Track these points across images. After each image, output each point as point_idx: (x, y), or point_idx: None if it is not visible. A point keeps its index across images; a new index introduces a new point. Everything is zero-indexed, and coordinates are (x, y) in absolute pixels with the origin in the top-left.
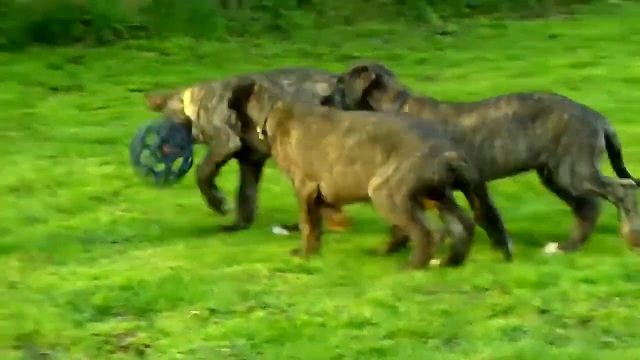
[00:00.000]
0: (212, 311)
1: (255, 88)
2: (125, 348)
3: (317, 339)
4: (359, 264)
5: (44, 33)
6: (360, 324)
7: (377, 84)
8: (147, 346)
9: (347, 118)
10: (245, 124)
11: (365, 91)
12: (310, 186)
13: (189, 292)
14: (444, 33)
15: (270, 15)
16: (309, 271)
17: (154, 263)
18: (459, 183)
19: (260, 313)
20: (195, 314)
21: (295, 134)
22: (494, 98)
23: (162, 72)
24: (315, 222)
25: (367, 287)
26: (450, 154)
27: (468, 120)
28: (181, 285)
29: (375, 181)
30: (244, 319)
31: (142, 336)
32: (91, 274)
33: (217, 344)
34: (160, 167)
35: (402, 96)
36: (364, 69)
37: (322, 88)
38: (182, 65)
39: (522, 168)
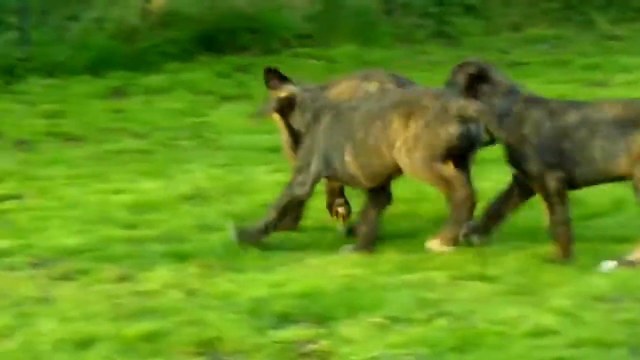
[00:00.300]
0: (392, 319)
1: (298, 100)
2: (306, 355)
3: (499, 348)
4: (537, 271)
5: (212, 42)
6: (542, 332)
7: (485, 80)
8: (329, 353)
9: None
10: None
11: (473, 86)
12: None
13: (367, 300)
14: (613, 37)
15: (436, 21)
16: (486, 279)
17: (330, 271)
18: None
19: (440, 321)
20: (375, 322)
21: (325, 119)
22: (602, 100)
23: (329, 79)
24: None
25: (547, 295)
26: (461, 103)
27: (570, 118)
28: (359, 293)
29: (397, 144)
30: (425, 327)
31: (323, 344)
32: (269, 282)
33: (399, 352)
34: None
35: (512, 92)
36: (467, 64)
37: (373, 86)
38: (348, 73)
39: (624, 173)
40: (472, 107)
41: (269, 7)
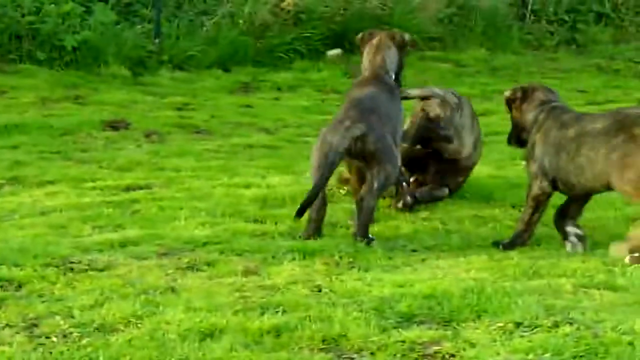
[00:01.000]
0: (517, 324)
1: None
2: (430, 357)
3: (625, 358)
4: None
5: (341, 41)
6: None
7: (526, 99)
8: (453, 356)
9: None
10: None
11: (511, 108)
12: None
13: (493, 304)
14: None
15: (567, 29)
16: (613, 288)
17: (456, 273)
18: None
19: (566, 328)
20: (500, 327)
21: None
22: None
23: (456, 83)
24: None
25: None
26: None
27: (570, 132)
28: (485, 297)
29: None
30: (550, 333)
31: (447, 346)
32: (395, 281)
33: (523, 358)
34: None
35: (542, 104)
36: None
37: None
38: (476, 77)
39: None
40: None
41: (401, 9)
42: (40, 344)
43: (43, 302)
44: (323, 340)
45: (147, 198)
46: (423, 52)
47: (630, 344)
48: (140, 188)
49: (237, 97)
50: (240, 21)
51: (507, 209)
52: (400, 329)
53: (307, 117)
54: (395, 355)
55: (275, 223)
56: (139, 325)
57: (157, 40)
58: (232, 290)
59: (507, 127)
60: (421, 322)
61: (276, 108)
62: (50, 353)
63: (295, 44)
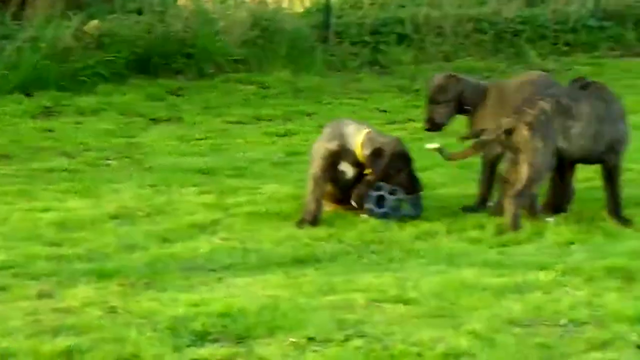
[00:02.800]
0: (310, 339)
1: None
2: None
3: None
4: (455, 295)
5: (145, 65)
6: (456, 355)
7: None
8: None
9: None
10: None
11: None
12: None
13: (287, 320)
14: (543, 70)
15: (370, 50)
16: (405, 302)
17: (252, 291)
18: None
19: (357, 342)
20: (293, 342)
21: None
22: None
23: (260, 105)
24: None
25: (463, 318)
26: None
27: None
28: (279, 314)
29: None
30: (341, 347)
31: None
32: (190, 301)
33: None
34: None
35: None
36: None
37: None
38: (280, 99)
39: None
40: None
41: (205, 32)
42: None
43: None
44: None
45: None
46: (227, 75)
47: (419, 354)
48: None
49: (39, 121)
50: (43, 45)
51: (307, 228)
52: (194, 347)
53: (110, 140)
54: None
55: (73, 246)
56: None
57: None
58: (25, 314)
59: (308, 147)
60: (215, 340)
61: (79, 132)
62: None
63: (98, 67)
